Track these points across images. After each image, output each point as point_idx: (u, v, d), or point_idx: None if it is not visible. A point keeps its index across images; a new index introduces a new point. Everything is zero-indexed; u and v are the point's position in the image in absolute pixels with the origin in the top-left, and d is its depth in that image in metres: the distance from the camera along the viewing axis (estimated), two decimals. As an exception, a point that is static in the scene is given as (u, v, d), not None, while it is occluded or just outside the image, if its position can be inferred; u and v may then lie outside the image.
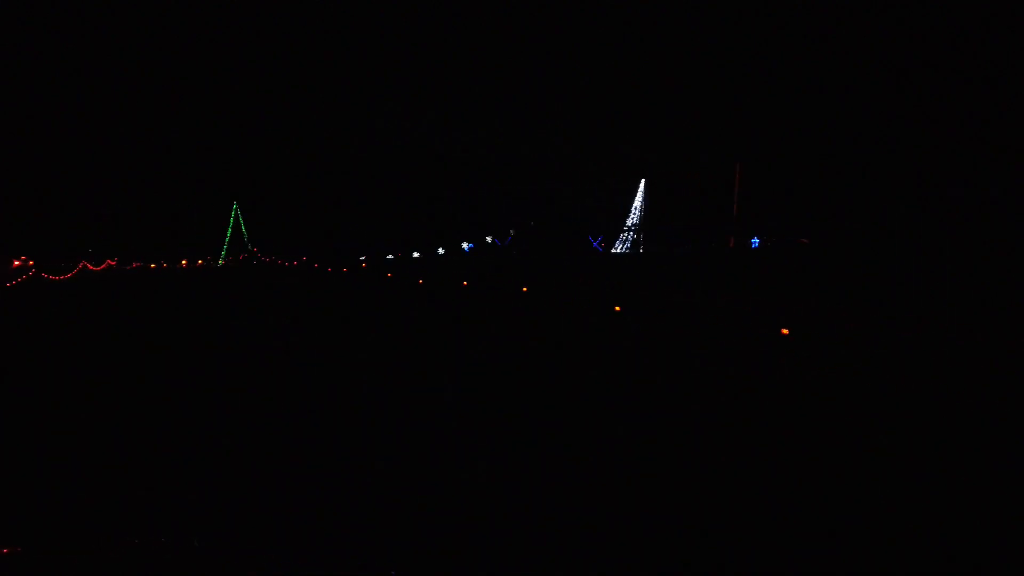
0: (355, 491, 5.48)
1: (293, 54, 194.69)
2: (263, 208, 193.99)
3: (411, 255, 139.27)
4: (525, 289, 26.24)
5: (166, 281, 57.92)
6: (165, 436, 7.21)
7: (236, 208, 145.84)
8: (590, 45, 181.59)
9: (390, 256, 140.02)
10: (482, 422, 7.64)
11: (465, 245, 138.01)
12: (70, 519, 4.93)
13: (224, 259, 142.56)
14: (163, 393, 9.54)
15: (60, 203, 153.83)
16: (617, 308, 17.52)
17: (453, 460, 6.24)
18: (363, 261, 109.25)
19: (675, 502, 5.11)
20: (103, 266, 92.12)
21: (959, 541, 4.36)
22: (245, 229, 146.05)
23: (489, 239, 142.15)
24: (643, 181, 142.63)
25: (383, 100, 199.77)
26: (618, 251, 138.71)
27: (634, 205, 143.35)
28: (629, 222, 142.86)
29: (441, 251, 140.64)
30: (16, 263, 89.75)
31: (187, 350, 14.16)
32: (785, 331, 12.64)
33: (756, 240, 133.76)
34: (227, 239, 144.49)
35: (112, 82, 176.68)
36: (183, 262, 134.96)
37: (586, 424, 7.57)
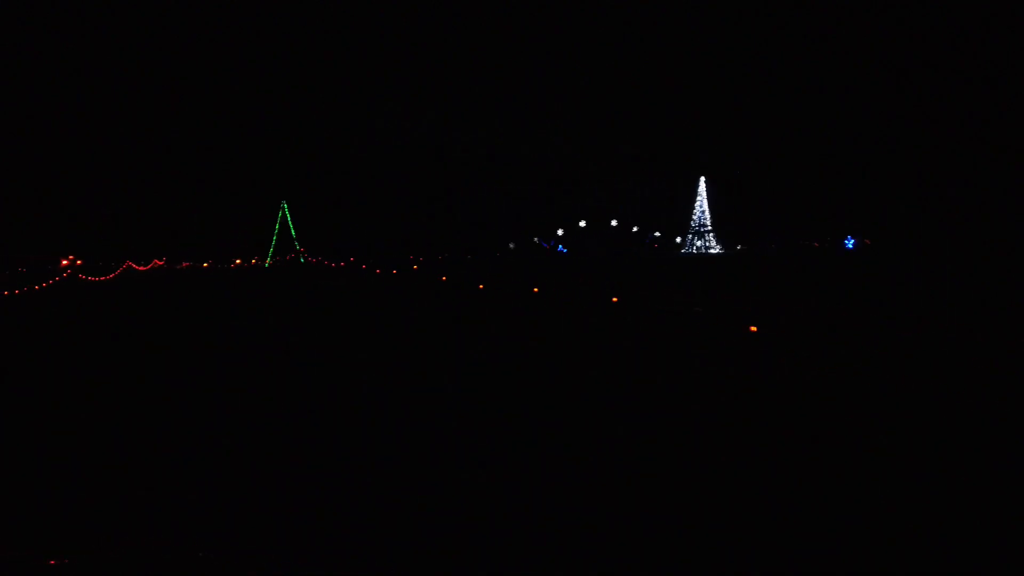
0: (356, 492, 5.48)
1: (340, 56, 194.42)
2: (312, 208, 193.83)
3: (462, 256, 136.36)
4: (616, 300, 21.69)
5: (206, 281, 55.53)
6: (171, 437, 7.26)
7: (285, 208, 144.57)
8: (635, 39, 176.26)
9: (440, 257, 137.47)
10: (486, 422, 7.61)
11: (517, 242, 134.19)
12: (87, 524, 4.90)
13: (271, 259, 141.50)
14: (167, 394, 9.53)
15: (110, 204, 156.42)
16: (754, 329, 14.14)
17: (454, 460, 6.24)
18: (414, 263, 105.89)
19: (676, 502, 5.13)
20: (149, 266, 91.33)
21: (959, 541, 4.36)
22: (293, 229, 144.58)
23: (536, 240, 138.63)
24: (702, 179, 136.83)
25: (429, 103, 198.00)
26: (689, 252, 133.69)
27: (696, 204, 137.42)
28: (695, 222, 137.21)
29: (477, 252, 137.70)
30: (64, 262, 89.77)
31: (193, 351, 14.08)
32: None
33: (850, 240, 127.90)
34: (274, 239, 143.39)
35: (163, 88, 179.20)
36: (237, 261, 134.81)
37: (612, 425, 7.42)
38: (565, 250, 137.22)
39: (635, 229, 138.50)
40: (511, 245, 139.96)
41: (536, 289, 29.04)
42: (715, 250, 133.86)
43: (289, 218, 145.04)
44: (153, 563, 2.37)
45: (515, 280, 40.33)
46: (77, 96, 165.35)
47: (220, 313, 24.57)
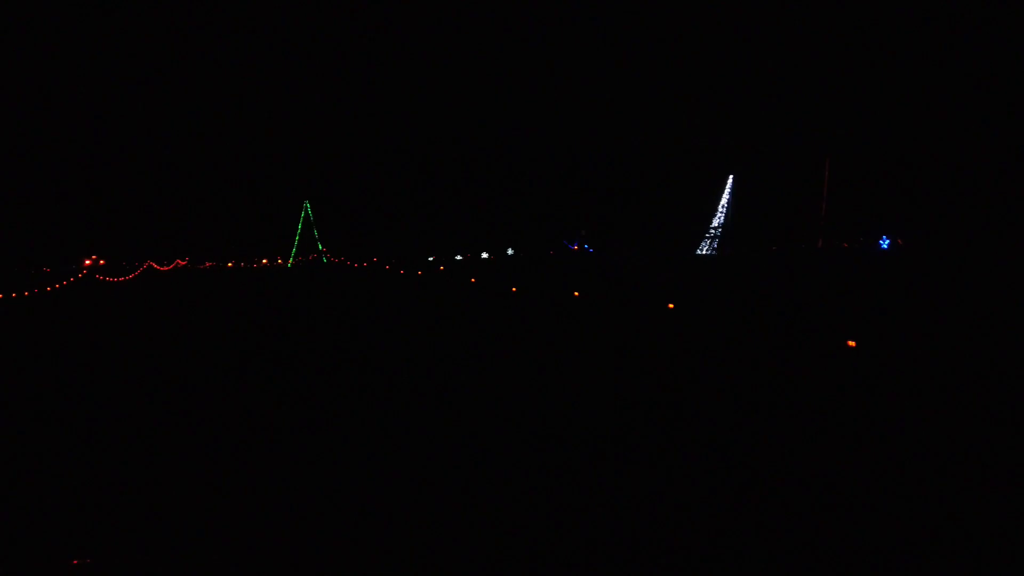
0: (362, 493, 5.49)
1: (363, 56, 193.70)
2: (335, 208, 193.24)
3: (486, 256, 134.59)
4: (672, 306, 19.55)
5: (223, 282, 54.14)
6: (176, 439, 7.27)
7: (308, 207, 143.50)
8: (669, 32, 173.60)
9: (459, 257, 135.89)
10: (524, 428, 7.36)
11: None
12: (96, 526, 4.76)
13: (294, 259, 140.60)
14: (166, 396, 9.47)
15: (134, 204, 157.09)
16: (852, 344, 12.33)
17: (463, 462, 6.25)
18: (438, 263, 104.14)
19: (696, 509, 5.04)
20: (171, 266, 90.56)
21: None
22: (316, 229, 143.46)
23: (564, 242, 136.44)
24: (731, 177, 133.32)
25: (451, 102, 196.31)
26: (703, 253, 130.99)
27: (721, 203, 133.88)
28: (716, 222, 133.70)
29: (510, 251, 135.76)
30: (87, 262, 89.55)
31: (192, 351, 14.02)
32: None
33: (886, 240, 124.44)
34: (297, 239, 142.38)
35: (188, 89, 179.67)
36: (263, 261, 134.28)
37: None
38: (592, 249, 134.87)
39: (660, 230, 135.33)
40: (533, 245, 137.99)
41: (576, 293, 26.85)
42: (731, 252, 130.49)
43: (312, 218, 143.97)
44: (168, 563, 2.37)
45: (548, 282, 38.26)
46: (102, 98, 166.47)
47: (234, 314, 22.87)
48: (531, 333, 15.71)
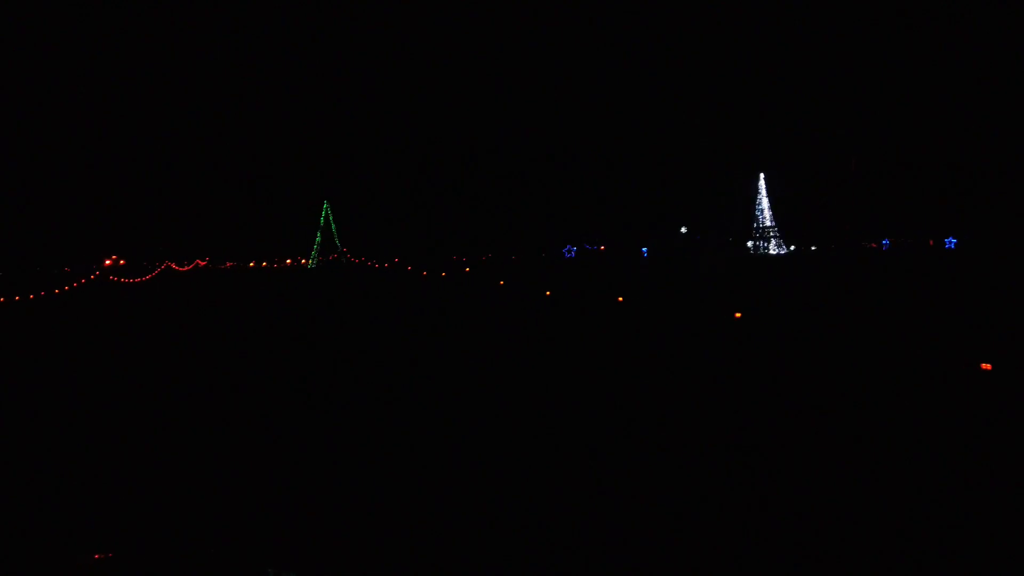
0: (368, 493, 5.42)
1: (383, 56, 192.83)
2: (355, 208, 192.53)
3: (509, 257, 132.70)
4: (739, 315, 17.14)
5: (238, 283, 52.63)
6: (182, 439, 7.22)
7: (327, 208, 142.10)
8: (690, 33, 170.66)
9: (484, 258, 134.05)
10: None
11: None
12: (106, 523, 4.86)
13: (314, 260, 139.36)
14: (170, 397, 9.47)
15: (155, 204, 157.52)
16: (987, 367, 10.51)
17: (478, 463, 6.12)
18: (460, 264, 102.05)
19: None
20: (191, 266, 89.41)
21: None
22: (335, 229, 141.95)
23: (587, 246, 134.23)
24: (762, 175, 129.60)
25: (474, 102, 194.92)
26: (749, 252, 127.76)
27: (759, 202, 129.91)
28: (761, 222, 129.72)
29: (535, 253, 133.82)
30: (107, 262, 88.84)
31: (192, 353, 13.79)
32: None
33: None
34: (317, 240, 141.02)
35: (210, 91, 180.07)
36: (287, 261, 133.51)
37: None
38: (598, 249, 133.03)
39: (683, 229, 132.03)
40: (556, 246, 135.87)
41: (620, 299, 24.43)
42: (775, 251, 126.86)
43: (332, 218, 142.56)
44: (185, 558, 2.40)
45: (581, 285, 35.95)
46: (126, 99, 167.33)
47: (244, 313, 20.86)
48: (574, 338, 14.22)
